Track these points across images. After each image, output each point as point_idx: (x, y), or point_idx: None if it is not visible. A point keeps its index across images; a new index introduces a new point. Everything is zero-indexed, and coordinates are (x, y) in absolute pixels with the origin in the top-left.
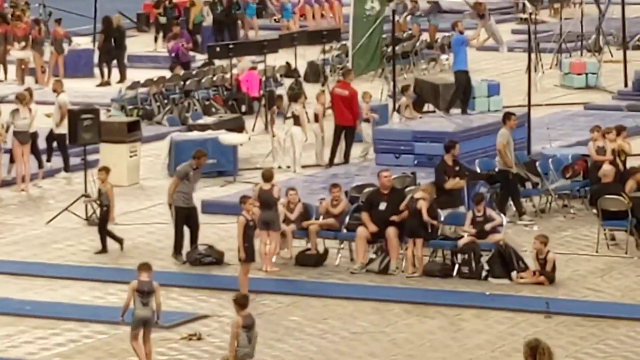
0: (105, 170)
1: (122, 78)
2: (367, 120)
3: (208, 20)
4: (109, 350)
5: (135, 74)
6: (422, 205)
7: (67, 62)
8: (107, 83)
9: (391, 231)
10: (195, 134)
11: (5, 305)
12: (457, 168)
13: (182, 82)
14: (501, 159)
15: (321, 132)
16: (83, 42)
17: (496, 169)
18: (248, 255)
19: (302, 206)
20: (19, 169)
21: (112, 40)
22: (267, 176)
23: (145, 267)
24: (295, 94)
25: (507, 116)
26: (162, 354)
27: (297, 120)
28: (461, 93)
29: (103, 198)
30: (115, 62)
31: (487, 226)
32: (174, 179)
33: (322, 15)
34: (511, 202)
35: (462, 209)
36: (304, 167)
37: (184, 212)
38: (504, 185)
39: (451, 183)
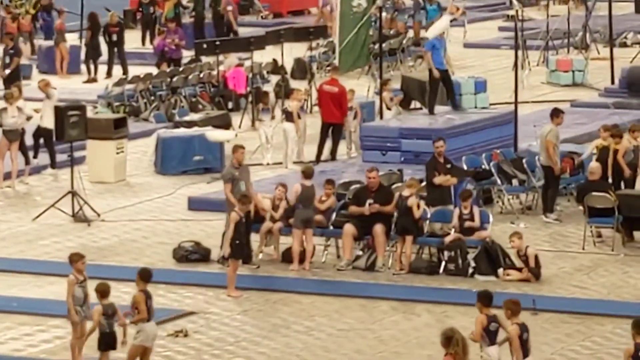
0: None
1: (125, 72)
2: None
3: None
4: (95, 347)
5: (121, 71)
6: (414, 203)
7: (49, 57)
8: (94, 80)
9: (378, 228)
10: (181, 131)
11: None
12: (448, 165)
13: (168, 79)
14: (547, 156)
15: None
16: (70, 39)
17: (540, 165)
18: (233, 251)
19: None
20: (2, 166)
21: (107, 36)
22: (308, 173)
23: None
24: (289, 91)
25: (556, 112)
26: None
27: (289, 117)
28: (435, 92)
29: None
30: (105, 58)
31: (467, 224)
32: (224, 186)
33: (309, 12)
34: (499, 199)
35: (451, 207)
36: (294, 163)
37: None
38: (550, 183)
39: (441, 179)
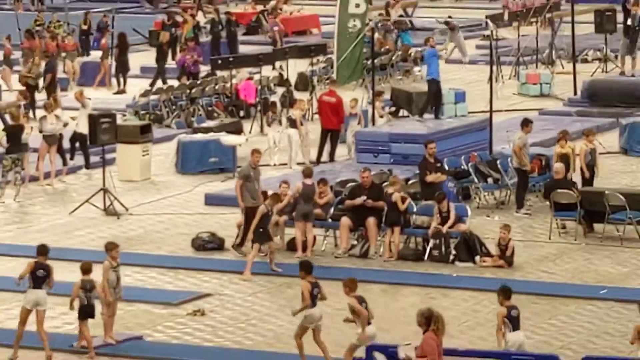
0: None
1: (152, 84)
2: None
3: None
4: (124, 324)
5: (147, 83)
6: (397, 198)
7: (89, 73)
8: (123, 91)
9: (371, 221)
10: (199, 136)
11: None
12: (438, 164)
13: (188, 90)
14: (518, 159)
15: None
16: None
17: (512, 167)
18: (256, 237)
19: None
20: (43, 167)
21: (162, 53)
22: (308, 172)
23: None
24: (293, 101)
25: (525, 122)
26: (170, 327)
27: (293, 123)
28: (432, 100)
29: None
30: (134, 72)
31: (444, 228)
32: (237, 181)
33: (311, 32)
34: (476, 195)
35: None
36: (298, 164)
37: (251, 210)
38: (520, 182)
39: (432, 177)
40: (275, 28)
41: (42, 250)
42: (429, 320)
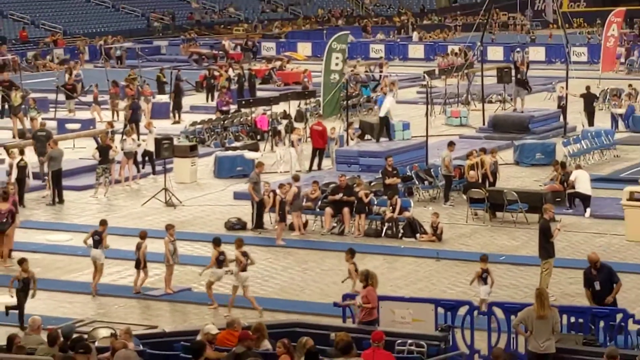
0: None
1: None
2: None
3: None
4: (178, 280)
5: (195, 117)
6: (362, 194)
7: (155, 110)
8: (178, 122)
9: (345, 210)
10: (230, 153)
11: (117, 253)
12: (394, 171)
13: (222, 122)
14: (445, 168)
15: (297, 153)
16: (164, 98)
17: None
18: (280, 217)
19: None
20: (123, 173)
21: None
22: (297, 178)
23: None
24: (293, 129)
25: (450, 144)
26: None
27: (293, 144)
28: (383, 130)
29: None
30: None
31: (395, 215)
32: (249, 185)
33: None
34: (417, 193)
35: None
36: (296, 171)
37: (260, 203)
38: (447, 183)
39: (390, 180)
40: (306, 79)
41: (102, 222)
42: (367, 278)
